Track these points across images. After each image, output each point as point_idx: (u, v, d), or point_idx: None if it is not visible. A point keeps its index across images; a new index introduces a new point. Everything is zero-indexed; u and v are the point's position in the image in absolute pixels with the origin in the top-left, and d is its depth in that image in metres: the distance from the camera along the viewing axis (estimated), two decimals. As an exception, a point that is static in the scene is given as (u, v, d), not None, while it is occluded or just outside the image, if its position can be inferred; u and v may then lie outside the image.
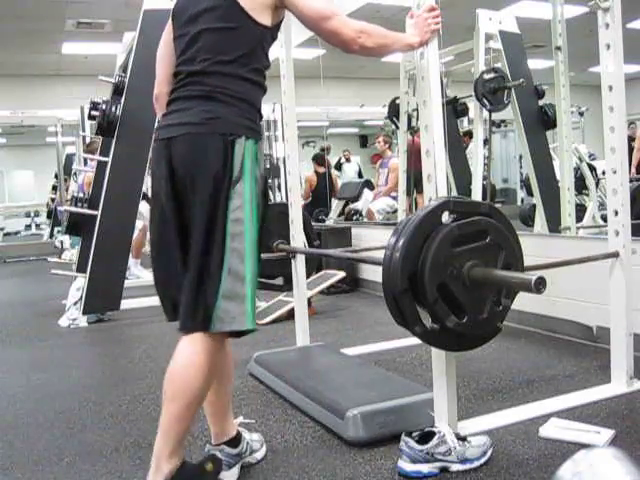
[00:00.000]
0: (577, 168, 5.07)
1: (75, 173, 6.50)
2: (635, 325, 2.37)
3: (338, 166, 9.64)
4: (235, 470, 1.83)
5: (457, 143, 5.36)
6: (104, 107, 4.13)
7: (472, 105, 4.68)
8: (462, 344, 1.87)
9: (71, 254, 7.49)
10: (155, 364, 3.09)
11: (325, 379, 2.46)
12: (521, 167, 9.24)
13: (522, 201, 8.93)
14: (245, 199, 1.60)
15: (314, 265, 4.41)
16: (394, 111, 5.51)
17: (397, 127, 5.55)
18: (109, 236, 4.17)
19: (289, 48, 2.93)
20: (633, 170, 5.60)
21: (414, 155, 4.90)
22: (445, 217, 1.78)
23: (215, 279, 1.58)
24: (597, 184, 5.41)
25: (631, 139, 5.71)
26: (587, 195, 5.41)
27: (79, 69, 9.37)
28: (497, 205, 2.51)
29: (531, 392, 2.40)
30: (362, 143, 13.88)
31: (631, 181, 3.14)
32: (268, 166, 7.42)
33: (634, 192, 3.31)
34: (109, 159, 4.17)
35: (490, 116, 4.47)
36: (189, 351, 1.63)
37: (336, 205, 7.02)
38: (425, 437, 1.80)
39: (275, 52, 2.97)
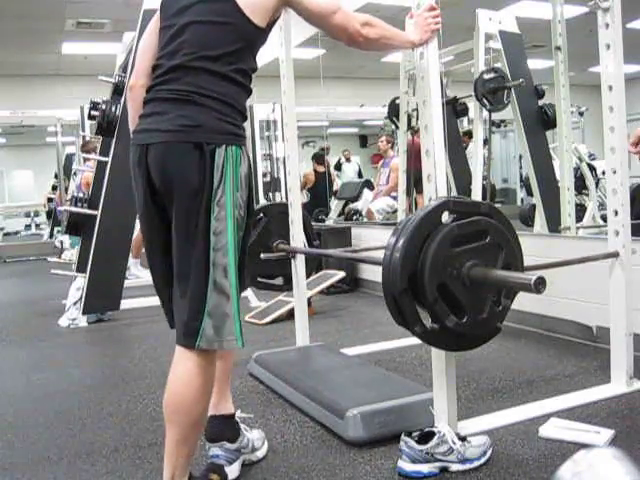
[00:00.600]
0: (577, 168, 5.07)
1: (75, 173, 6.50)
2: (635, 325, 2.37)
3: (338, 166, 9.64)
4: (236, 466, 1.83)
5: (457, 143, 5.36)
6: (104, 107, 4.13)
7: (472, 105, 4.68)
8: (462, 344, 1.87)
9: (71, 254, 7.49)
10: (155, 364, 3.09)
11: (325, 379, 2.46)
12: (521, 167, 9.24)
13: (522, 201, 8.93)
14: (227, 210, 1.52)
15: (314, 265, 4.40)
16: (394, 111, 5.51)
17: (397, 127, 5.55)
18: (109, 236, 4.17)
19: (289, 48, 2.93)
20: None
21: (414, 155, 4.90)
22: (445, 217, 1.78)
23: (200, 295, 1.52)
24: (597, 184, 5.41)
25: None
26: (587, 195, 5.41)
27: (79, 69, 9.36)
28: (497, 205, 2.51)
29: (531, 392, 2.40)
30: (362, 143, 13.88)
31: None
32: (268, 179, 7.43)
33: (634, 192, 3.31)
34: (109, 159, 4.17)
35: (490, 116, 4.47)
36: (182, 370, 1.59)
37: (336, 205, 7.02)
38: (425, 437, 1.80)
39: (275, 52, 2.98)
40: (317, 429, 2.13)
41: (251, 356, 2.85)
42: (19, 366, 3.24)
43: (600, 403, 2.21)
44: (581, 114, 7.43)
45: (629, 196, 2.30)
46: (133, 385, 2.77)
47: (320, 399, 2.20)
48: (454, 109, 5.19)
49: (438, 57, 1.93)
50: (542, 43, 4.90)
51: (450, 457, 1.77)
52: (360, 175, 9.44)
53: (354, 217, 6.78)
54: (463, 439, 1.80)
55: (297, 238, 2.94)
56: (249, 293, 4.59)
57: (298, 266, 2.93)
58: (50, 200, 10.75)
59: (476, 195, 4.41)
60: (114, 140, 4.18)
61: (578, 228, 4.32)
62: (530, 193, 4.91)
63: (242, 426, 1.93)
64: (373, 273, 4.70)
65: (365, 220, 6.49)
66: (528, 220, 5.40)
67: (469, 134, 5.96)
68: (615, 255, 2.30)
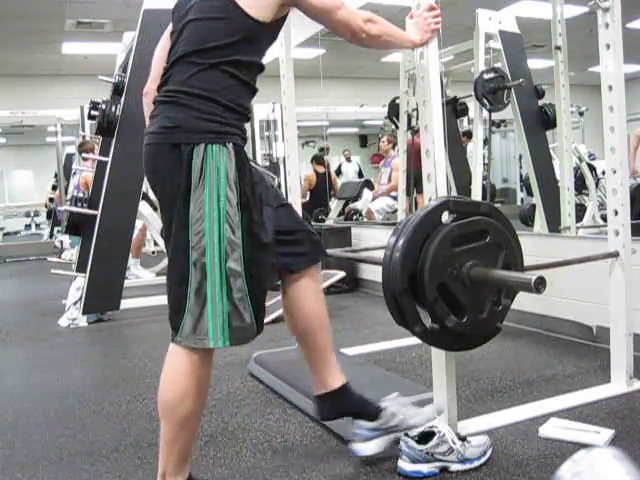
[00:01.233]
0: (577, 168, 5.08)
1: (75, 173, 6.51)
2: (635, 325, 2.37)
3: (338, 171, 9.59)
4: (372, 444, 1.80)
5: (457, 143, 5.36)
6: (104, 107, 4.13)
7: (472, 105, 4.68)
8: (462, 344, 1.87)
9: (71, 254, 7.49)
10: (155, 364, 3.09)
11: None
12: (521, 167, 9.24)
13: (522, 201, 8.94)
14: (206, 210, 1.51)
15: (314, 265, 4.41)
16: (394, 111, 5.51)
17: (397, 127, 5.56)
18: (109, 236, 4.17)
19: (289, 48, 2.93)
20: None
21: (414, 155, 4.90)
22: (445, 217, 1.78)
23: (182, 292, 1.54)
24: (597, 184, 5.42)
25: None
26: (587, 195, 5.42)
27: (79, 69, 9.37)
28: (497, 205, 2.51)
29: (531, 392, 2.40)
30: (362, 143, 13.89)
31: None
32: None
33: (634, 192, 3.31)
34: (109, 159, 4.17)
35: (490, 116, 4.47)
36: (171, 370, 1.62)
37: (336, 205, 7.02)
38: (425, 437, 1.80)
39: (275, 52, 2.98)
40: (317, 429, 2.13)
41: (251, 356, 2.85)
42: (19, 366, 3.24)
43: (600, 403, 2.21)
44: (581, 114, 7.43)
45: (629, 196, 2.30)
46: (133, 385, 2.77)
47: (320, 399, 2.20)
48: (454, 109, 5.20)
49: (438, 57, 1.93)
50: (542, 43, 4.91)
51: (450, 457, 1.77)
52: (360, 175, 9.44)
53: (354, 217, 6.78)
54: (463, 439, 1.80)
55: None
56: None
57: (298, 266, 2.92)
58: (52, 200, 10.76)
59: (476, 195, 4.41)
60: (114, 140, 4.18)
61: (578, 228, 4.32)
62: (530, 193, 4.91)
63: (390, 405, 1.85)
64: (373, 273, 4.70)
65: (365, 220, 6.49)
66: (528, 220, 5.41)
67: (467, 134, 5.97)
68: (615, 255, 2.30)
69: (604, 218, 4.28)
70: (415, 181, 5.13)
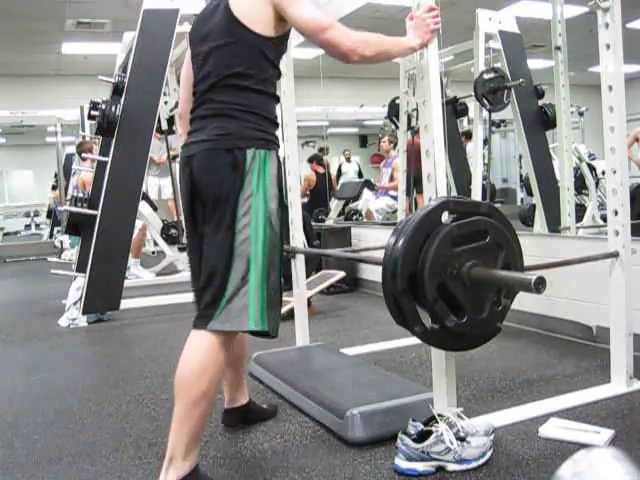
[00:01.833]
0: (577, 168, 5.08)
1: (74, 173, 6.51)
2: (635, 325, 2.37)
3: (339, 172, 9.59)
4: (414, 464, 1.76)
5: (457, 143, 5.37)
6: (104, 107, 4.13)
7: (472, 105, 4.68)
8: (462, 344, 1.87)
9: (71, 254, 7.49)
10: (155, 364, 3.09)
11: (325, 379, 2.46)
12: (521, 167, 9.24)
13: (522, 201, 8.94)
14: (252, 205, 1.69)
15: (314, 265, 4.41)
16: (394, 111, 5.51)
17: (397, 127, 5.56)
18: (109, 236, 4.17)
19: (289, 48, 2.92)
20: None
21: (414, 155, 4.90)
22: (445, 217, 1.78)
23: (224, 281, 1.67)
24: (597, 184, 5.42)
25: None
26: (587, 195, 5.42)
27: (79, 69, 9.37)
28: (497, 205, 2.51)
29: (531, 392, 2.40)
30: (362, 143, 13.88)
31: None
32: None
33: (634, 192, 3.32)
34: (109, 159, 4.17)
35: (490, 116, 4.47)
36: (192, 349, 1.70)
37: (336, 205, 7.03)
38: (425, 436, 1.80)
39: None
40: (317, 429, 2.13)
41: (251, 356, 2.85)
42: (19, 366, 3.24)
43: (600, 403, 2.21)
44: (581, 114, 7.43)
45: (629, 196, 2.30)
46: (133, 385, 2.77)
47: (320, 399, 2.20)
48: (454, 109, 5.20)
49: (438, 57, 1.93)
50: (542, 43, 4.91)
51: (447, 457, 1.77)
52: (360, 175, 9.45)
53: (354, 217, 6.78)
54: (462, 439, 1.80)
55: (297, 238, 2.94)
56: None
57: (298, 266, 2.93)
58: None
59: (476, 195, 4.41)
60: (114, 140, 4.17)
61: (578, 228, 4.32)
62: (530, 193, 4.91)
63: (442, 429, 1.80)
64: (373, 273, 4.70)
65: (365, 220, 6.49)
66: (528, 220, 5.41)
67: (466, 134, 5.97)
68: (615, 255, 2.30)
69: (604, 218, 4.29)
70: (415, 181, 5.13)
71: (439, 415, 1.85)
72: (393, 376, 2.51)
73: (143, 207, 5.36)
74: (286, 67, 2.91)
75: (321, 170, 7.67)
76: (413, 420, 1.83)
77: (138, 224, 5.49)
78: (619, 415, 2.10)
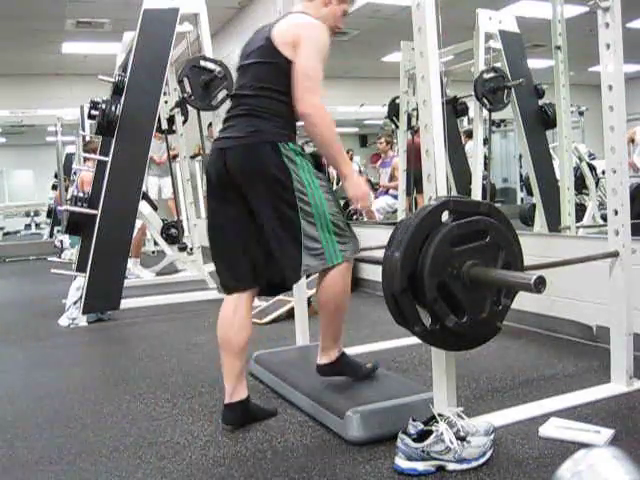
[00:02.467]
0: (577, 168, 5.07)
1: (75, 172, 6.52)
2: (635, 325, 2.37)
3: (338, 179, 9.58)
4: (413, 464, 1.78)
5: (457, 143, 5.36)
6: (104, 107, 4.13)
7: (472, 104, 4.68)
8: (462, 344, 1.88)
9: (71, 253, 7.49)
10: (155, 364, 3.09)
11: (325, 379, 2.46)
12: (521, 167, 9.23)
13: (522, 201, 8.93)
14: (304, 180, 2.05)
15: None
16: (394, 110, 5.51)
17: (397, 126, 5.56)
18: (109, 236, 4.17)
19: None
20: None
21: (414, 155, 4.90)
22: (445, 216, 1.78)
23: (298, 249, 2.07)
24: (597, 184, 5.41)
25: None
26: (587, 195, 5.41)
27: (79, 69, 9.37)
28: (497, 205, 2.51)
29: (531, 392, 2.40)
30: (362, 143, 13.86)
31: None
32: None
33: (634, 192, 3.32)
34: (109, 159, 4.17)
35: (490, 115, 4.47)
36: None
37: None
38: (425, 436, 1.80)
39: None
40: (317, 429, 2.13)
41: (251, 356, 2.85)
42: (19, 366, 3.24)
43: (600, 403, 2.21)
44: (581, 114, 7.43)
45: (629, 196, 2.30)
46: (133, 385, 2.77)
47: (320, 399, 2.20)
48: (454, 108, 5.19)
49: (438, 57, 1.93)
50: (542, 43, 4.90)
51: (447, 456, 1.77)
52: (360, 174, 9.44)
53: (354, 216, 6.78)
54: (462, 439, 1.80)
55: (297, 238, 2.94)
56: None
57: (298, 266, 2.93)
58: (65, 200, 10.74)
59: (476, 195, 4.41)
60: (114, 140, 4.17)
61: (578, 228, 4.32)
62: (530, 193, 4.91)
63: (442, 428, 1.82)
64: (373, 273, 4.69)
65: (365, 219, 6.49)
66: (528, 220, 5.40)
67: (468, 133, 5.96)
68: (615, 255, 2.30)
69: (604, 218, 4.28)
70: (415, 181, 5.13)
71: (439, 415, 1.85)
72: (393, 376, 2.51)
73: (143, 207, 5.35)
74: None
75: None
76: (413, 420, 1.83)
77: (138, 224, 5.49)
78: (619, 415, 2.10)
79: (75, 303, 4.22)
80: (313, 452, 1.96)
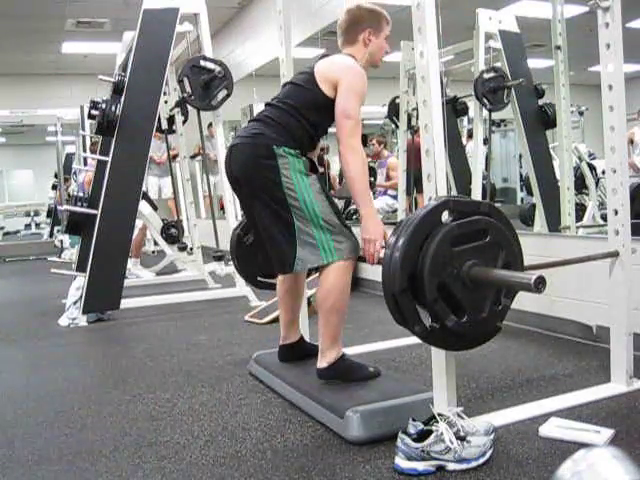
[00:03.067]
0: (577, 167, 5.07)
1: (75, 172, 6.52)
2: (635, 325, 2.37)
3: (341, 175, 9.56)
4: (415, 464, 1.77)
5: (457, 143, 5.36)
6: (104, 106, 4.13)
7: (472, 104, 4.68)
8: (462, 343, 1.88)
9: (71, 253, 7.49)
10: (155, 363, 3.09)
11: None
12: (521, 167, 9.22)
13: (522, 201, 8.92)
14: (293, 178, 2.18)
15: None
16: (394, 110, 5.50)
17: (397, 126, 5.55)
18: (109, 235, 4.17)
19: (289, 48, 2.93)
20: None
21: (414, 154, 4.89)
22: (445, 216, 1.78)
23: (292, 245, 2.20)
24: (597, 183, 5.41)
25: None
26: (587, 194, 5.40)
27: (79, 68, 9.37)
28: (497, 204, 2.51)
29: (531, 391, 2.40)
30: (362, 142, 13.86)
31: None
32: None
33: (634, 192, 3.31)
34: (109, 159, 4.17)
35: (490, 115, 4.47)
36: (327, 275, 2.24)
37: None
38: (425, 436, 1.80)
39: (275, 52, 2.98)
40: (317, 429, 2.13)
41: (251, 355, 2.86)
42: (19, 366, 3.24)
43: (600, 402, 2.21)
44: (581, 113, 7.41)
45: (629, 195, 2.30)
46: (133, 385, 2.77)
47: (320, 399, 2.20)
48: (454, 108, 5.19)
49: (438, 57, 1.93)
50: (542, 42, 4.89)
51: (446, 456, 1.77)
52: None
53: (354, 217, 6.77)
54: (462, 439, 1.80)
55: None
56: (249, 292, 4.59)
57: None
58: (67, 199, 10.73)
59: (476, 195, 4.41)
60: (114, 140, 4.17)
61: (578, 227, 4.31)
62: (530, 193, 4.91)
63: (442, 428, 1.81)
64: (373, 272, 4.69)
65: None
66: (528, 220, 5.39)
67: (469, 133, 5.96)
68: (615, 254, 2.30)
69: (604, 218, 4.28)
70: (415, 181, 5.13)
71: (439, 414, 1.85)
72: (393, 376, 2.51)
73: (143, 207, 5.35)
74: (286, 67, 2.92)
75: (321, 169, 7.65)
76: (413, 419, 1.83)
77: (138, 224, 5.49)
78: (619, 415, 2.10)
79: (75, 303, 4.22)
80: (313, 452, 1.96)
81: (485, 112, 4.43)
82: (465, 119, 6.13)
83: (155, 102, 4.29)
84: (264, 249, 2.39)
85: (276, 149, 2.18)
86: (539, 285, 1.60)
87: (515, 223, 2.05)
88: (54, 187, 10.76)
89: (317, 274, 2.39)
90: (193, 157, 8.24)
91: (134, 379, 2.86)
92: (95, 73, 4.68)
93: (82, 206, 4.43)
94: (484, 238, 1.79)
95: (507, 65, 4.21)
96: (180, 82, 4.35)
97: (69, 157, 10.05)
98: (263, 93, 7.66)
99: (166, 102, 5.22)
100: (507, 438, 1.96)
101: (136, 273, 5.88)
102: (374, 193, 6.71)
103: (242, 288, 4.62)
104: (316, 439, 2.06)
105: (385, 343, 3.18)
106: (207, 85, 4.34)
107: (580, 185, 5.18)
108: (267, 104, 2.37)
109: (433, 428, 1.81)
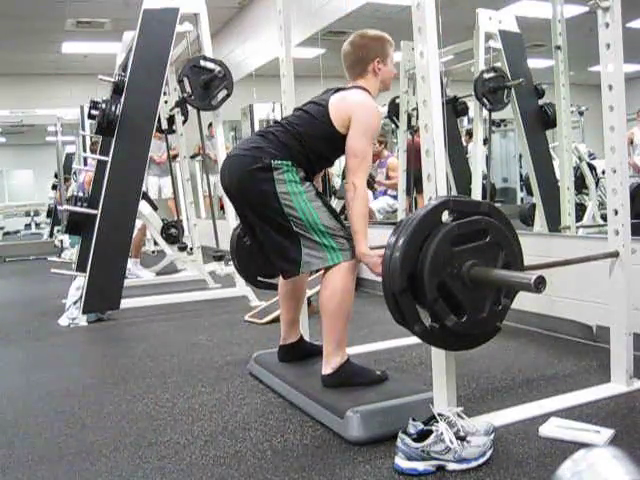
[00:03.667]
0: (577, 167, 5.07)
1: (75, 172, 6.52)
2: (635, 325, 2.37)
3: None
4: (416, 464, 1.77)
5: (457, 143, 5.36)
6: (104, 106, 4.13)
7: (472, 104, 4.68)
8: (462, 343, 1.88)
9: (71, 253, 7.49)
10: (155, 363, 3.09)
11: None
12: (521, 167, 9.22)
13: (522, 201, 8.92)
14: (287, 187, 2.19)
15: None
16: (394, 110, 5.50)
17: (397, 126, 5.55)
18: (109, 235, 4.17)
19: (289, 48, 2.93)
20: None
21: (414, 154, 4.89)
22: (445, 216, 1.78)
23: (297, 250, 2.22)
24: (597, 183, 5.41)
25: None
26: (587, 194, 5.41)
27: (79, 68, 9.37)
28: (497, 204, 2.51)
29: (531, 391, 2.40)
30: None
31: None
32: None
33: (634, 192, 3.31)
34: (109, 159, 4.17)
35: (490, 115, 4.47)
36: (331, 276, 2.26)
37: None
38: (425, 436, 1.80)
39: (275, 51, 2.98)
40: (317, 429, 2.13)
41: (251, 356, 2.86)
42: (19, 366, 3.24)
43: (600, 402, 2.21)
44: (581, 113, 7.40)
45: (629, 196, 2.30)
46: (133, 384, 2.77)
47: (320, 399, 2.20)
48: (454, 108, 5.19)
49: (438, 57, 1.93)
50: (542, 42, 4.89)
51: (446, 456, 1.77)
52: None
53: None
54: (462, 439, 1.80)
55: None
56: (249, 292, 4.59)
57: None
58: (68, 200, 10.72)
59: (476, 195, 4.41)
60: (114, 140, 4.17)
61: (578, 227, 4.31)
62: (530, 193, 4.90)
63: (442, 428, 1.81)
64: (373, 272, 4.69)
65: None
66: (528, 220, 5.39)
67: (469, 133, 5.96)
68: (615, 255, 2.30)
69: (604, 218, 4.28)
70: (415, 181, 5.13)
71: (439, 414, 1.85)
72: (393, 376, 2.51)
73: (143, 207, 5.35)
74: (286, 66, 2.92)
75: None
76: (413, 419, 1.83)
77: (138, 224, 5.49)
78: (619, 415, 2.10)
79: (75, 303, 4.22)
80: (313, 452, 1.96)
81: (485, 112, 4.43)
82: (465, 119, 6.13)
83: (155, 102, 4.29)
84: (262, 252, 2.40)
85: (272, 162, 2.19)
86: (539, 285, 1.60)
87: (515, 223, 2.05)
88: (54, 187, 10.76)
89: (317, 274, 2.39)
90: (193, 157, 8.25)
91: (134, 379, 2.86)
92: (95, 73, 4.68)
93: (82, 206, 4.43)
94: (484, 238, 1.79)
95: (507, 65, 4.21)
96: (180, 82, 4.35)
97: (69, 157, 10.05)
98: (263, 93, 7.68)
99: (166, 102, 5.21)
100: (507, 438, 1.96)
101: (136, 273, 5.88)
102: (374, 193, 6.72)
103: (242, 288, 4.62)
104: (316, 439, 2.06)
105: (385, 343, 3.18)
106: (207, 85, 4.34)
107: (580, 185, 5.18)
108: (275, 121, 2.40)
109: (433, 428, 1.81)
